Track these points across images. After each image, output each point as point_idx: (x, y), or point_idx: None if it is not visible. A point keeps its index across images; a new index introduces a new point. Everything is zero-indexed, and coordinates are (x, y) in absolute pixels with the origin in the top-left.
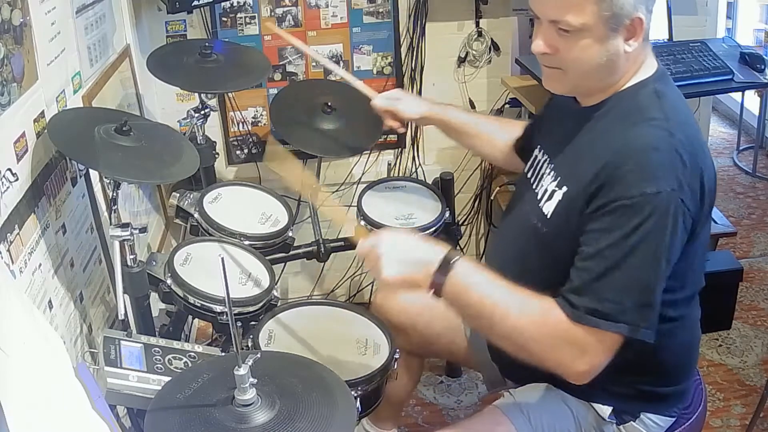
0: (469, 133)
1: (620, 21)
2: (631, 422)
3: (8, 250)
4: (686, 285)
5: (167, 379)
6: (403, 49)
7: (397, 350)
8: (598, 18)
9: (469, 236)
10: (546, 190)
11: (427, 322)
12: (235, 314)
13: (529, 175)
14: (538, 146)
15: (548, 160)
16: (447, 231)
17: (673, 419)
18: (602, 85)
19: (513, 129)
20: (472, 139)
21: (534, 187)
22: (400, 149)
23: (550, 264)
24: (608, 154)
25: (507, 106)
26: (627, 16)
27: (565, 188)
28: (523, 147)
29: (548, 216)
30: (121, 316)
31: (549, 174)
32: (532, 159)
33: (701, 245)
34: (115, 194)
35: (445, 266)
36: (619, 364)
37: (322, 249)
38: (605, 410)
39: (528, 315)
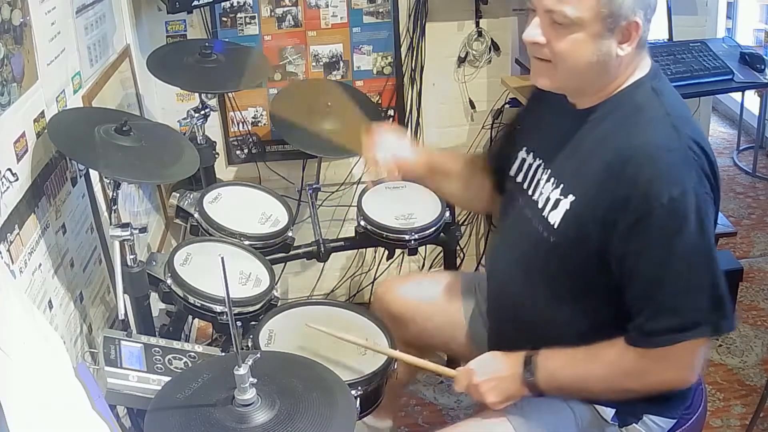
0: (446, 174)
1: (617, 22)
2: (634, 424)
3: (8, 250)
4: None
5: (167, 379)
6: (403, 49)
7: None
8: (596, 14)
9: (469, 236)
10: (548, 199)
11: (426, 315)
12: (235, 314)
13: (519, 179)
14: (525, 148)
15: (542, 164)
16: (447, 231)
17: (675, 420)
18: (593, 87)
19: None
20: (450, 181)
21: (531, 193)
22: None
23: (556, 272)
24: (618, 160)
25: (507, 106)
26: (624, 17)
27: (572, 197)
28: (500, 156)
29: (556, 226)
30: (121, 316)
31: (548, 180)
32: (519, 161)
33: None
34: (115, 194)
35: (528, 368)
36: None
37: (322, 249)
38: (608, 412)
39: (612, 369)
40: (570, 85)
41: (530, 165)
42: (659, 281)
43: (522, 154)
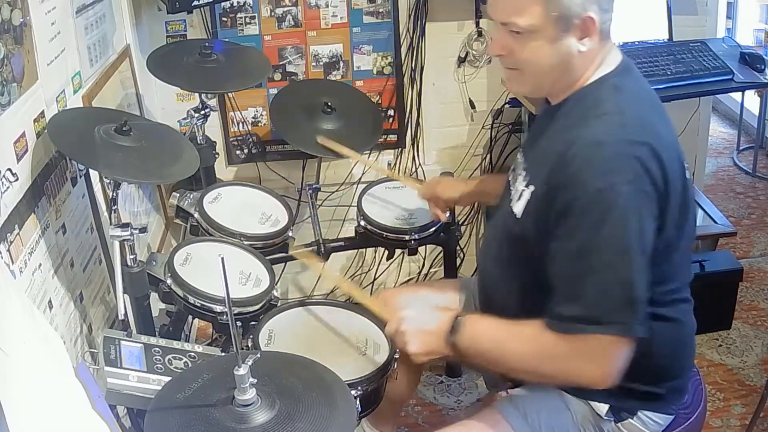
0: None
1: (569, 21)
2: (629, 420)
3: (8, 250)
4: (672, 280)
5: (167, 379)
6: (403, 49)
7: (397, 350)
8: (546, 19)
9: (469, 236)
10: (518, 191)
11: None
12: (235, 314)
13: (510, 179)
14: (522, 151)
15: (523, 161)
16: (447, 231)
17: (672, 417)
18: (562, 85)
19: None
20: None
21: (511, 189)
22: (400, 149)
23: (522, 263)
24: (563, 151)
25: (507, 106)
26: (576, 15)
27: (532, 187)
28: None
29: (518, 216)
30: (121, 316)
31: (521, 174)
32: (514, 164)
33: (683, 239)
34: (115, 194)
35: (454, 329)
36: None
37: (322, 249)
38: (602, 408)
39: (527, 346)
40: (541, 87)
41: (518, 164)
42: (572, 268)
43: (518, 155)
